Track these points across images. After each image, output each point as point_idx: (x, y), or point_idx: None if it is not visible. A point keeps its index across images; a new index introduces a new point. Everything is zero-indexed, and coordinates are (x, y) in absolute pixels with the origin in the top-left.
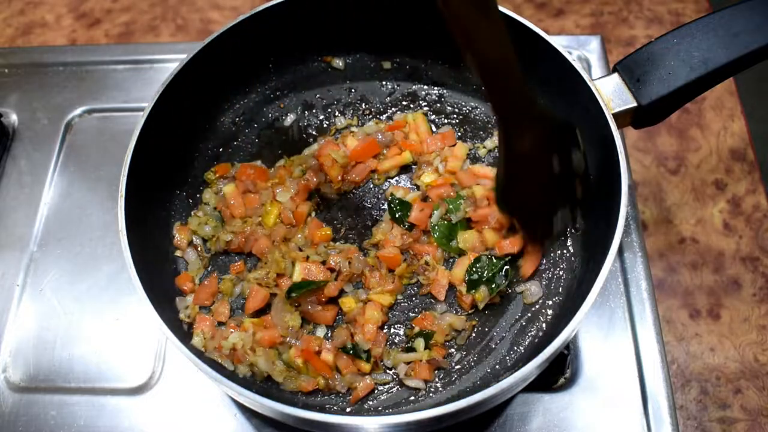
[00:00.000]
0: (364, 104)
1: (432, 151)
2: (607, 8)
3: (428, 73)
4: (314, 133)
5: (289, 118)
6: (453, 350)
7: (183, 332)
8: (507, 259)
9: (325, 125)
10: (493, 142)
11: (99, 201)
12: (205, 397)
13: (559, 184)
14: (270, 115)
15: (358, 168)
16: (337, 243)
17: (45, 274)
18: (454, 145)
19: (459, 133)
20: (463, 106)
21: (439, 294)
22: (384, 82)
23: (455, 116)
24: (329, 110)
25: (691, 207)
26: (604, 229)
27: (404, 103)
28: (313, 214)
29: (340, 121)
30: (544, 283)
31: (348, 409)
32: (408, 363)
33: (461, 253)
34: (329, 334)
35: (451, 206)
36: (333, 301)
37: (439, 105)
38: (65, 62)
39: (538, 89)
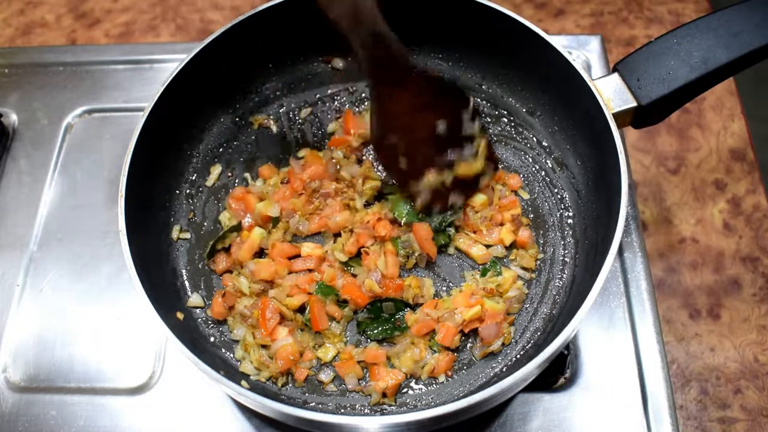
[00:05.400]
0: (364, 104)
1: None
2: (607, 8)
3: None
4: (314, 133)
5: (289, 119)
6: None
7: (182, 332)
8: None
9: (325, 126)
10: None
11: (99, 201)
12: (205, 397)
13: (443, 147)
14: (270, 116)
15: None
16: None
17: (45, 274)
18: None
19: None
20: None
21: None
22: None
23: None
24: (329, 111)
25: (691, 207)
26: (604, 229)
27: None
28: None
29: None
30: (543, 282)
31: (343, 410)
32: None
33: None
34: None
35: None
36: None
37: None
38: (65, 62)
39: (538, 89)
